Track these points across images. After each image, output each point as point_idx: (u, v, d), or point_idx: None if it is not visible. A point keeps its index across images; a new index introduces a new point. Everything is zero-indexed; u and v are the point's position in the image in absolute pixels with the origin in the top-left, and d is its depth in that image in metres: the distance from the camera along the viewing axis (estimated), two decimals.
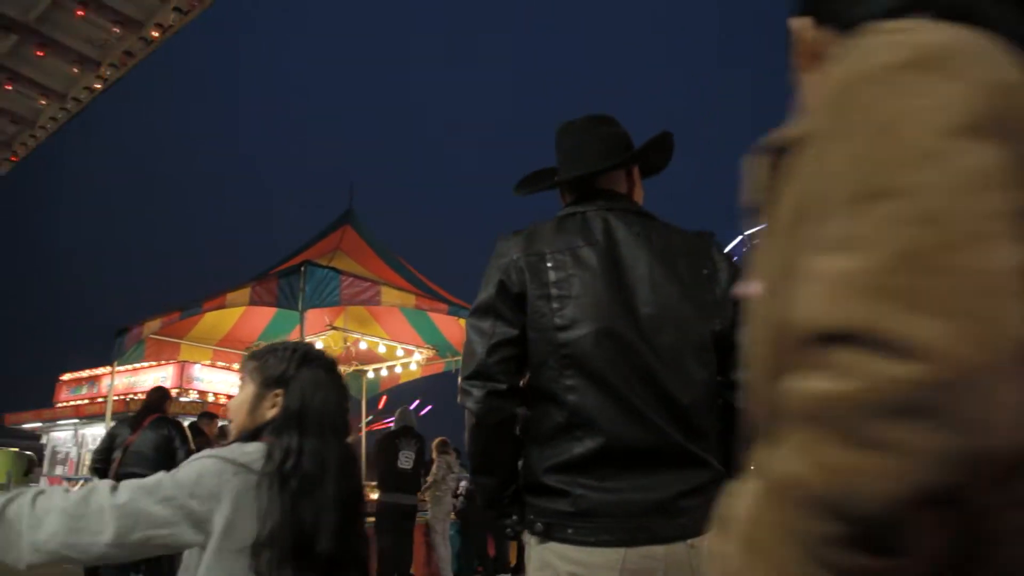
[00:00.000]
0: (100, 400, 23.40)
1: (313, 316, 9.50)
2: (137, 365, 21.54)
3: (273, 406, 1.64)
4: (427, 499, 8.18)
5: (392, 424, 7.98)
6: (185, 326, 10.97)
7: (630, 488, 1.43)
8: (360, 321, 12.30)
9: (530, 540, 1.53)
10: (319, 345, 12.07)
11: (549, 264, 1.58)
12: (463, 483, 9.16)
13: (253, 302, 8.73)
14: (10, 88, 4.98)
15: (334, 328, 11.58)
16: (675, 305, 1.56)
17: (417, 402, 14.14)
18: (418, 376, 13.68)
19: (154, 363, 21.43)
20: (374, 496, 8.88)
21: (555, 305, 1.55)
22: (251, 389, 1.69)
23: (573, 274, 1.56)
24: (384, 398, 20.13)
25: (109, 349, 10.81)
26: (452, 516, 8.67)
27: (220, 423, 8.30)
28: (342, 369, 9.18)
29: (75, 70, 4.80)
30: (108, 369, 11.20)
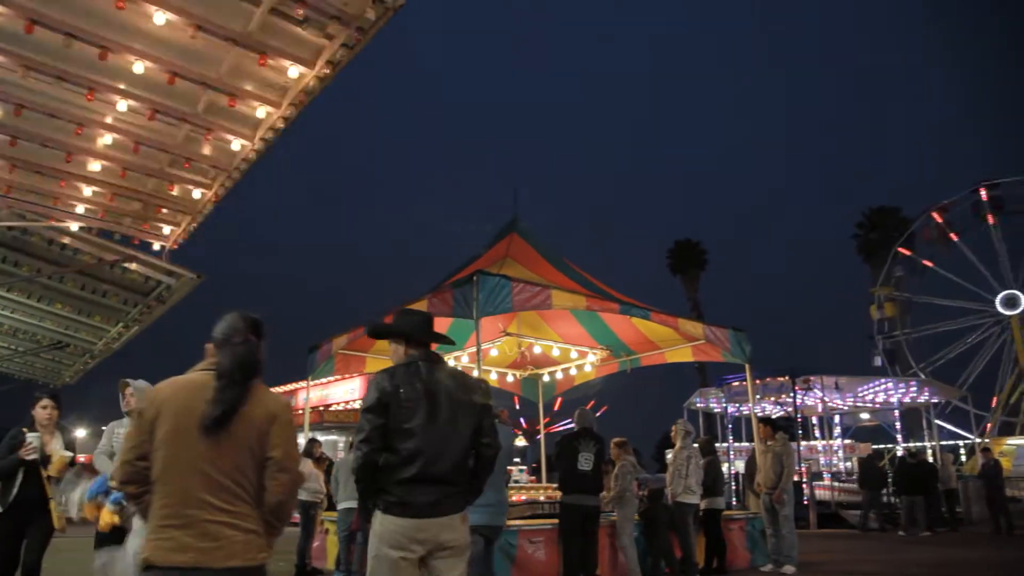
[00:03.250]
0: (299, 412, 25.47)
1: (488, 323, 9.77)
2: (328, 379, 23.27)
3: None
4: (608, 498, 8.16)
5: (571, 426, 8.02)
6: (369, 340, 11.65)
7: (423, 493, 3.04)
8: (533, 326, 12.50)
9: (377, 513, 3.09)
10: (494, 352, 12.45)
11: (402, 391, 3.14)
12: (645, 483, 9.06)
13: (431, 313, 9.12)
14: (210, 137, 5.56)
15: (508, 334, 11.84)
16: (458, 409, 3.21)
17: (592, 403, 14.16)
18: (593, 377, 13.69)
19: (343, 376, 23.07)
20: (557, 498, 8.97)
21: (403, 410, 3.10)
22: None
23: (412, 396, 3.14)
24: (559, 400, 20.37)
25: (304, 365, 11.76)
26: (636, 517, 8.57)
27: None
28: (517, 374, 9.36)
29: (261, 114, 5.27)
30: (304, 383, 12.15)
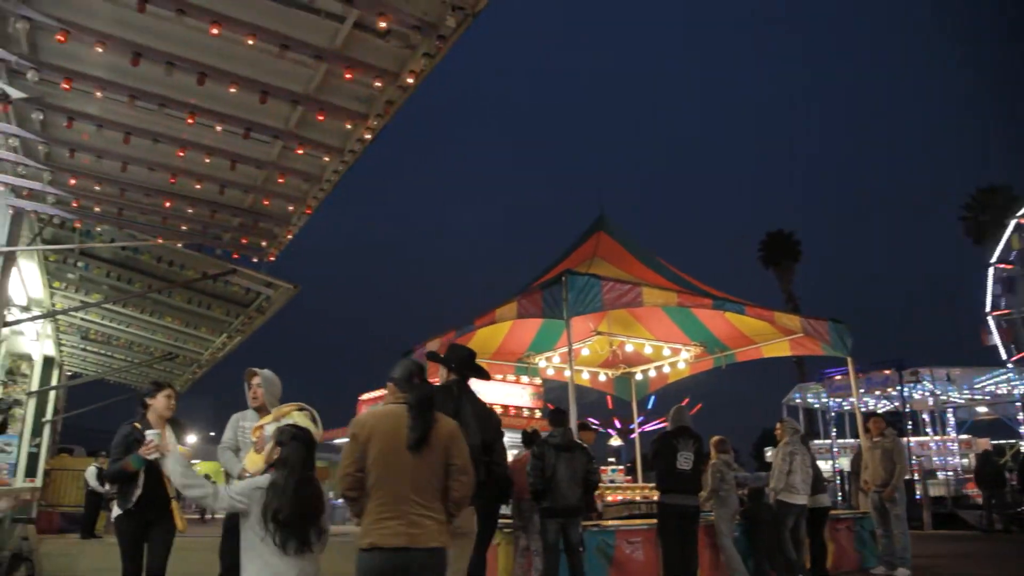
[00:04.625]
0: None
1: (578, 323, 9.73)
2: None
3: None
4: (704, 497, 7.96)
5: (667, 424, 7.86)
6: (461, 343, 11.78)
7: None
8: (624, 324, 12.36)
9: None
10: (585, 352, 12.38)
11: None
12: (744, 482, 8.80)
13: (520, 315, 9.14)
14: (301, 152, 5.74)
15: (599, 333, 11.75)
16: (476, 425, 4.25)
17: (687, 400, 13.86)
18: (687, 374, 13.44)
19: (435, 380, 23.39)
20: (654, 498, 8.82)
21: None
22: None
23: (441, 409, 3.58)
24: (653, 398, 20.08)
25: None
26: (737, 516, 8.33)
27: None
28: (609, 373, 9.34)
29: (348, 126, 5.39)
30: None
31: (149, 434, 4.59)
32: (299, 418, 4.64)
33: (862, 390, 20.81)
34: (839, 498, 20.02)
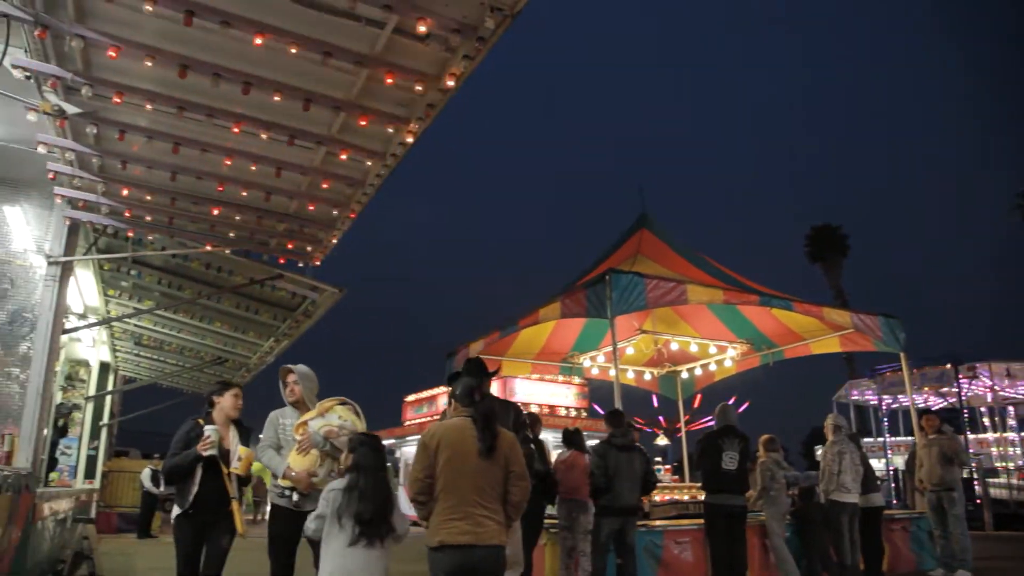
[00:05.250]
0: (438, 417, 26.07)
1: (622, 321, 9.67)
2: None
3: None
4: (754, 497, 7.84)
5: (712, 423, 7.77)
6: (505, 344, 11.81)
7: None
8: (668, 322, 12.26)
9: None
10: (630, 351, 12.30)
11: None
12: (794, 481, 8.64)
13: (564, 315, 9.13)
14: (344, 157, 5.80)
15: (644, 331, 11.67)
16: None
17: (733, 399, 13.70)
18: (733, 372, 13.27)
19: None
20: (702, 498, 8.72)
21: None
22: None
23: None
24: (699, 397, 19.84)
25: (443, 371, 12.06)
26: (787, 516, 8.19)
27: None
28: (654, 371, 9.36)
29: (390, 130, 5.43)
30: (443, 389, 12.42)
31: (207, 429, 4.55)
32: (342, 412, 4.72)
33: (916, 386, 20.28)
34: (893, 497, 19.55)
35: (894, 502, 18.43)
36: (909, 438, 19.73)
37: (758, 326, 11.73)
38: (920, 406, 18.08)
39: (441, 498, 3.67)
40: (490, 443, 3.70)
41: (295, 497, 4.63)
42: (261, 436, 4.94)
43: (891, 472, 21.86)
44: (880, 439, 25.18)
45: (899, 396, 22.57)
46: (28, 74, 4.67)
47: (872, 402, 24.92)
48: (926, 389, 21.80)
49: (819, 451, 8.53)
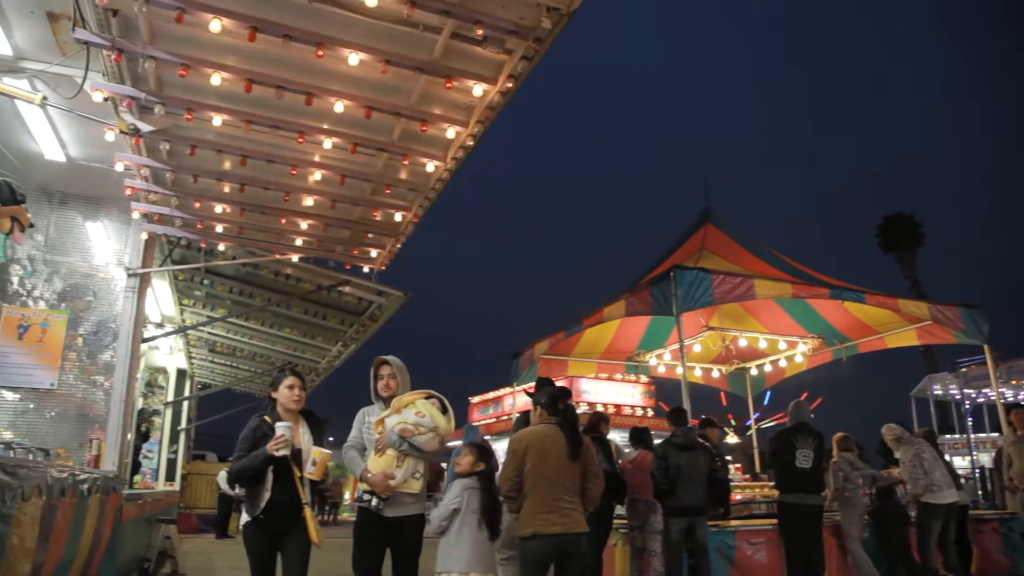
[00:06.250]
0: (504, 418, 26.17)
1: (688, 318, 9.52)
2: (532, 384, 23.72)
3: None
4: (829, 498, 7.61)
5: (786, 421, 7.58)
6: (570, 343, 11.76)
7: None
8: (736, 318, 12.01)
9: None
10: (697, 348, 12.09)
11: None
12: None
13: (629, 313, 9.03)
14: (406, 163, 5.87)
15: (710, 328, 11.47)
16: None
17: (805, 395, 13.30)
18: (804, 368, 12.92)
19: None
20: (774, 497, 8.50)
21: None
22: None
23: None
24: (769, 393, 19.39)
25: (508, 372, 12.10)
26: (865, 516, 7.92)
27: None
28: (722, 369, 9.20)
29: (451, 134, 5.47)
30: (509, 390, 12.41)
31: (279, 427, 4.03)
32: (422, 407, 4.38)
33: (1002, 380, 19.36)
34: (980, 497, 18.72)
35: (982, 502, 17.64)
36: (995, 434, 18.87)
37: (829, 320, 11.38)
38: (1007, 400, 17.23)
39: (531, 495, 4.27)
40: (576, 447, 4.32)
41: (374, 502, 4.26)
42: (350, 435, 4.62)
43: (977, 471, 20.94)
44: (963, 436, 24.14)
45: (984, 390, 21.60)
46: (106, 96, 4.88)
47: (955, 397, 23.92)
48: (1013, 382, 20.78)
49: (897, 453, 8.19)
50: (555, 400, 4.50)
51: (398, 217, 6.81)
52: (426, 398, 4.46)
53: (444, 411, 4.46)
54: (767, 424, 27.10)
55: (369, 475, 4.30)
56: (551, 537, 4.17)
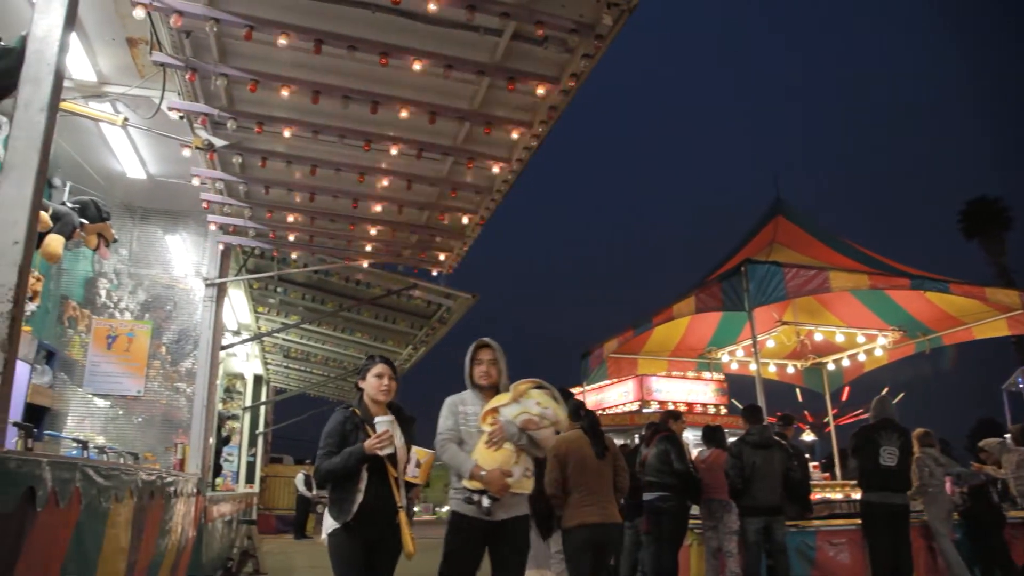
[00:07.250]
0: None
1: (761, 313, 9.31)
2: (602, 383, 23.63)
3: None
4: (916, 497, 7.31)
5: (868, 417, 7.32)
6: (639, 342, 11.63)
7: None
8: (810, 312, 11.67)
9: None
10: (770, 343, 11.80)
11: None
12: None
13: (699, 309, 8.88)
14: (471, 166, 5.90)
15: (784, 323, 11.18)
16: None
17: (887, 390, 12.79)
18: (885, 362, 12.46)
19: (616, 380, 23.25)
20: (856, 496, 8.23)
21: None
22: None
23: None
24: (847, 389, 18.78)
25: (578, 371, 12.04)
26: (956, 516, 7.59)
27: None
28: (798, 364, 9.04)
29: (514, 135, 5.46)
30: (580, 389, 12.36)
31: (380, 421, 3.59)
32: (539, 397, 3.82)
33: None
34: None
35: None
36: None
37: (910, 311, 10.94)
38: None
39: (574, 492, 4.91)
40: (601, 446, 5.04)
41: (485, 502, 3.65)
42: (440, 427, 3.95)
43: None
44: None
45: None
46: (181, 115, 5.07)
47: None
48: None
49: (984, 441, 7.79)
50: (578, 408, 5.23)
51: (464, 220, 6.84)
52: (538, 387, 3.88)
53: (556, 400, 3.91)
54: (846, 422, 26.22)
55: (482, 472, 3.66)
56: (594, 527, 4.78)
